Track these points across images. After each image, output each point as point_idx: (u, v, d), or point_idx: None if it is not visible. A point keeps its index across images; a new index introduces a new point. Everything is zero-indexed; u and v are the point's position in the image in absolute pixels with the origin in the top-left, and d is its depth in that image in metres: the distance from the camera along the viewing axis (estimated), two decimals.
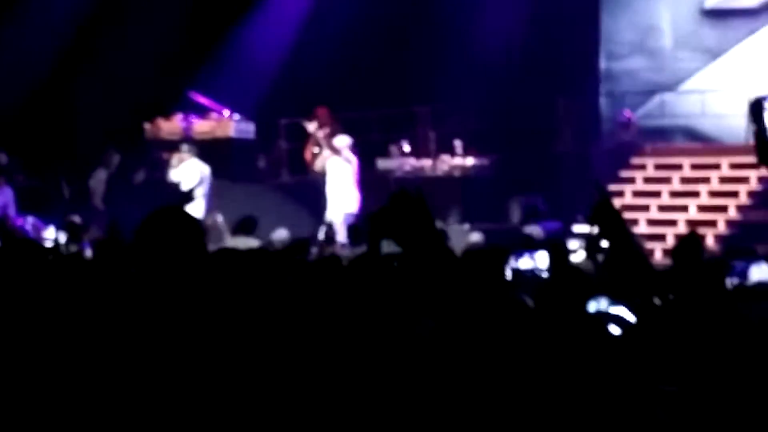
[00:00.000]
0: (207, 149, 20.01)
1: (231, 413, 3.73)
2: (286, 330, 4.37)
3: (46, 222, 16.39)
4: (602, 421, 3.48)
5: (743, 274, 8.18)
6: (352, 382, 3.83)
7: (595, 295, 4.16)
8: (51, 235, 15.37)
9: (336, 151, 18.30)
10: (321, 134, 19.13)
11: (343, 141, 18.39)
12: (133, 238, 3.99)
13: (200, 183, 18.09)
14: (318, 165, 18.77)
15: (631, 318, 4.03)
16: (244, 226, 14.30)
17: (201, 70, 20.90)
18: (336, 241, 15.50)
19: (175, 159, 18.57)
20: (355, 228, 15.46)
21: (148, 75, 20.36)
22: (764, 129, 3.37)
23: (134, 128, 20.50)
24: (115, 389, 3.69)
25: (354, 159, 18.33)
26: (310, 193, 19.12)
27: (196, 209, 17.72)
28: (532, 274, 5.98)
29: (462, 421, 3.59)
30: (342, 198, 18.12)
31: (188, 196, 14.46)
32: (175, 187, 18.10)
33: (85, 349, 3.82)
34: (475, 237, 14.99)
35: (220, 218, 16.97)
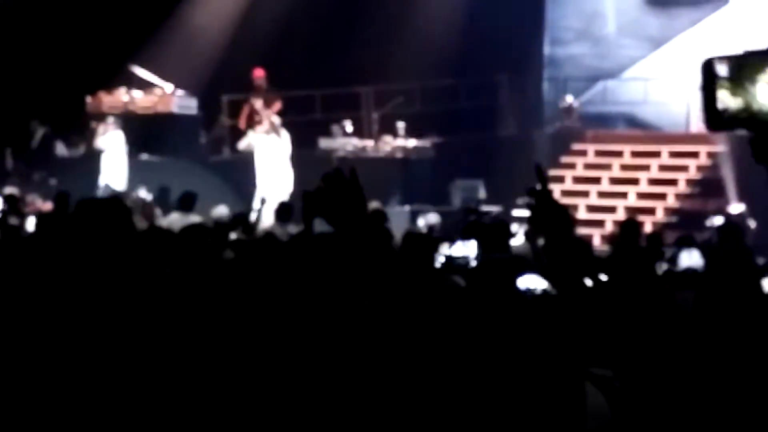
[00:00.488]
0: (148, 124, 19.96)
1: (167, 389, 3.73)
2: (222, 306, 4.36)
3: None
4: (531, 398, 3.52)
5: (673, 260, 8.30)
6: (290, 361, 3.83)
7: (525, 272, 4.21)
8: None
9: (275, 128, 18.28)
10: (266, 111, 19.07)
11: (278, 119, 18.43)
12: (69, 228, 4.01)
13: (123, 155, 18.31)
14: (243, 144, 18.78)
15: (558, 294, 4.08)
16: (183, 203, 14.29)
17: (145, 44, 20.73)
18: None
19: (101, 128, 18.78)
20: (283, 206, 15.45)
21: (92, 48, 20.20)
22: (713, 93, 3.35)
23: (74, 101, 20.31)
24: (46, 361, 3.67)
25: (288, 137, 18.39)
26: (252, 170, 19.08)
27: (118, 182, 17.91)
28: (464, 260, 6.04)
29: (400, 397, 3.61)
30: (278, 177, 18.12)
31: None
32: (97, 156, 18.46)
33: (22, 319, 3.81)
34: (432, 218, 15.02)
35: (144, 194, 16.90)
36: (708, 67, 3.23)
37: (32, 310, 3.83)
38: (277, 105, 19.00)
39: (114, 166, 18.67)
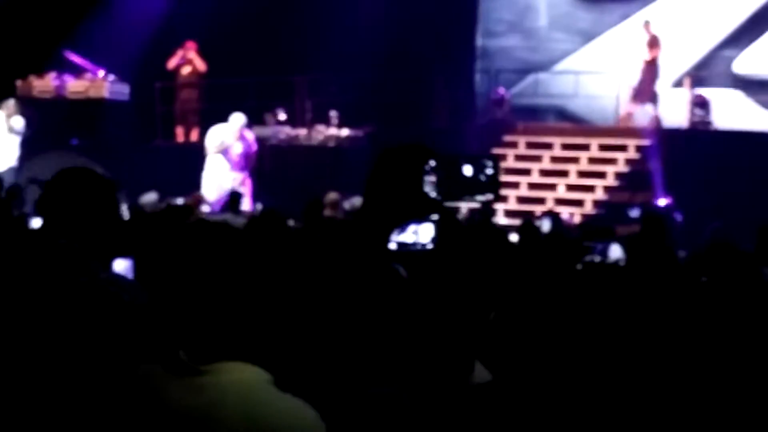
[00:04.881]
0: (80, 109, 19.86)
1: None
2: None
3: None
4: None
5: (604, 253, 8.43)
6: None
7: None
8: None
9: None
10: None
11: None
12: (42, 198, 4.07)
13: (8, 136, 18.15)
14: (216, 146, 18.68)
15: None
16: None
17: (78, 29, 20.59)
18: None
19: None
20: (234, 195, 15.68)
21: (24, 32, 20.04)
22: None
23: (3, 85, 20.12)
24: None
25: None
26: (183, 158, 19.05)
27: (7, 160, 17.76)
28: (414, 247, 6.07)
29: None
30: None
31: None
32: None
33: None
34: (356, 202, 15.04)
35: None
36: None
37: None
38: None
39: None
